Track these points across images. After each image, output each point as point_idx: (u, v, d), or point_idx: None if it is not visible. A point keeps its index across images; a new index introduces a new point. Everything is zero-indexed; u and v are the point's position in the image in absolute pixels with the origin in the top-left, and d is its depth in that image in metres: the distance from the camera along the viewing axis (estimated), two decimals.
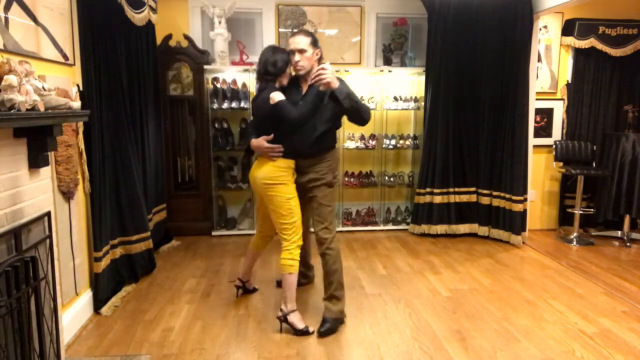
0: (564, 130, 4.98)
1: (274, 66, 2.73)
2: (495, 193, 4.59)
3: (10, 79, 1.67)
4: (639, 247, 4.51)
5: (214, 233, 4.77)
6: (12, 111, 1.65)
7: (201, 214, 4.76)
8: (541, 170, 5.04)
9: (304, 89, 2.82)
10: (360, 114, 2.74)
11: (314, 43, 2.79)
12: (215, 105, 4.66)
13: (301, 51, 2.75)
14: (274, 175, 2.73)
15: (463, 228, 4.73)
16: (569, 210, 4.83)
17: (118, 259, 3.31)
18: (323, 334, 2.72)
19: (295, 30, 2.96)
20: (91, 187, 2.91)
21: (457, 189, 4.71)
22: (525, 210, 4.48)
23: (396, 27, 4.87)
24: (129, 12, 3.27)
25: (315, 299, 3.20)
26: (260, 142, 2.74)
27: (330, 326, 2.75)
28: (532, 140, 4.63)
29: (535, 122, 4.82)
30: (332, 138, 2.92)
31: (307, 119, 2.65)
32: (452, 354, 2.53)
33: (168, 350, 2.55)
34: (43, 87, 1.91)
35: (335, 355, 2.51)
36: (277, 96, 2.65)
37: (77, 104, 2.07)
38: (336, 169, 2.98)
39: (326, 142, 2.85)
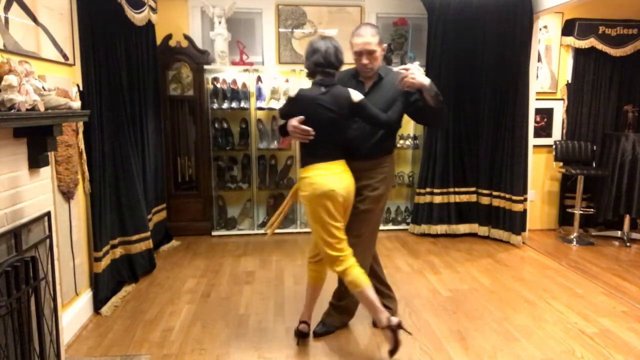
0: (564, 130, 4.98)
1: (336, 57, 2.37)
2: (495, 193, 4.59)
3: (10, 79, 1.67)
4: (639, 247, 4.50)
5: (214, 233, 4.77)
6: (12, 111, 1.65)
7: (201, 214, 4.76)
8: (541, 170, 5.03)
9: (367, 84, 2.57)
10: (443, 114, 2.48)
11: (381, 41, 2.48)
12: (215, 105, 4.66)
13: (370, 52, 2.45)
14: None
15: (463, 228, 4.73)
16: (569, 210, 4.82)
17: (118, 259, 3.31)
18: (320, 335, 2.68)
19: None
20: (91, 187, 2.91)
21: (457, 189, 4.71)
22: (525, 210, 4.48)
23: (396, 27, 4.87)
24: (129, 12, 3.27)
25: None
26: (292, 121, 2.36)
27: (328, 330, 2.71)
28: (532, 140, 4.63)
29: (535, 122, 4.82)
30: (392, 140, 2.68)
31: (398, 123, 2.48)
32: (452, 354, 2.53)
33: (168, 350, 2.55)
34: (43, 87, 1.91)
35: (335, 355, 2.51)
36: (357, 94, 2.39)
37: (77, 104, 2.07)
38: (391, 181, 2.70)
39: (387, 144, 2.60)
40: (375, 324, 2.77)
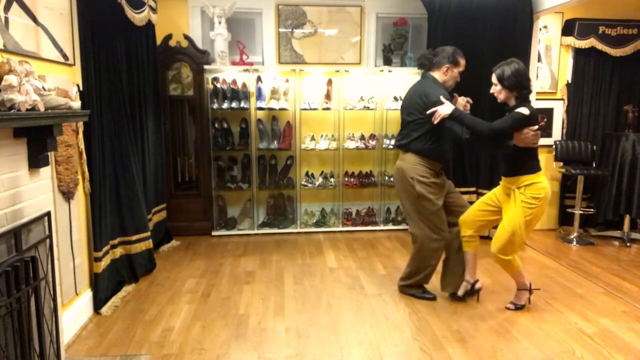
0: (564, 130, 4.98)
1: None
2: None
3: (10, 79, 1.68)
4: (639, 247, 4.50)
5: (214, 233, 4.77)
6: (12, 111, 1.66)
7: (201, 214, 4.77)
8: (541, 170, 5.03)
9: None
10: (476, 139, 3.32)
11: None
12: (215, 105, 4.66)
13: None
14: None
15: None
16: (569, 210, 4.82)
17: (118, 259, 3.31)
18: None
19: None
20: (91, 187, 2.91)
21: (457, 189, 4.69)
22: None
23: (396, 27, 4.87)
24: (129, 12, 3.26)
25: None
26: (533, 129, 2.85)
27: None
28: None
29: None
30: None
31: None
32: (452, 354, 2.53)
33: (168, 350, 2.55)
34: (43, 87, 1.91)
35: (335, 355, 2.51)
36: None
37: (77, 104, 2.07)
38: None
39: None
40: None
